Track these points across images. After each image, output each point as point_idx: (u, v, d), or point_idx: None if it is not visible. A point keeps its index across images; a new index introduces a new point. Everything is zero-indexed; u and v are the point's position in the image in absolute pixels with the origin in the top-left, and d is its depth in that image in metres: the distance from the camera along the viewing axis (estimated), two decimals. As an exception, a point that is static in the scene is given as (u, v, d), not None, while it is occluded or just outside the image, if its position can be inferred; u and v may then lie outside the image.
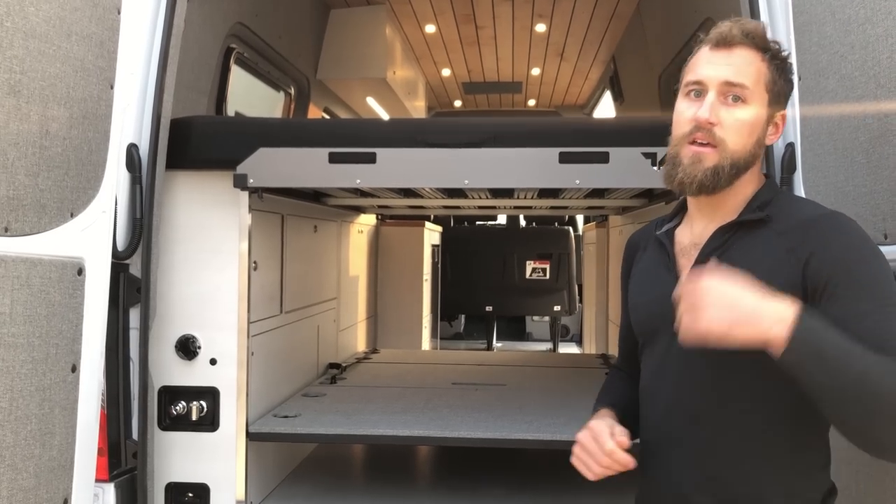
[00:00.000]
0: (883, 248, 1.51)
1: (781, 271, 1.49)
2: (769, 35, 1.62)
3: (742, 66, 1.55)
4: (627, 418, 1.70)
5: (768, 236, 1.55)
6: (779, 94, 1.60)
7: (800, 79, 2.05)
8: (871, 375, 1.33)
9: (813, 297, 1.47)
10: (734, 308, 1.36)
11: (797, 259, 1.48)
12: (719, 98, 1.56)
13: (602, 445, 1.54)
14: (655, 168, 2.34)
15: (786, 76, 1.61)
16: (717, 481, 1.56)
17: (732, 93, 1.55)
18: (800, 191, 2.05)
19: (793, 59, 2.05)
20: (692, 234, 1.68)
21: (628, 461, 1.54)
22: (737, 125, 1.55)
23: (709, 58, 1.58)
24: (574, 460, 1.61)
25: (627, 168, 2.39)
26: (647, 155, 2.35)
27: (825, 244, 1.47)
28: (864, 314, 1.41)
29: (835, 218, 1.52)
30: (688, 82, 1.61)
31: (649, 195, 3.26)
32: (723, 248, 1.59)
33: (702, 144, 1.56)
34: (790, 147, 2.08)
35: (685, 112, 1.59)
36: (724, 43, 1.57)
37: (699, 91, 1.58)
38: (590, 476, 1.58)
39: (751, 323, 1.36)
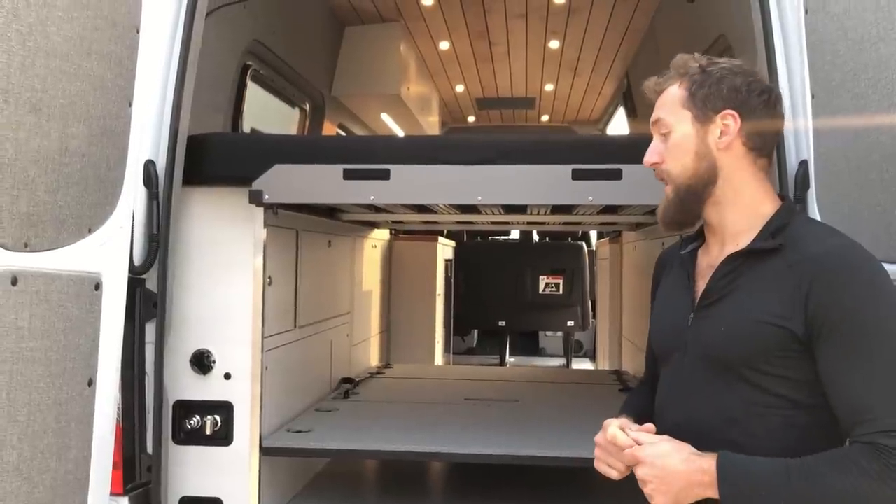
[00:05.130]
0: (897, 268, 1.51)
1: (787, 305, 1.50)
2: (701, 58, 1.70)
3: (663, 103, 1.69)
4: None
5: (778, 267, 1.54)
6: (705, 101, 1.62)
7: (813, 96, 2.05)
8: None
9: (812, 338, 1.48)
10: (670, 482, 1.52)
11: (801, 296, 1.48)
12: (659, 138, 1.69)
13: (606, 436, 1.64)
14: (668, 185, 2.34)
15: (709, 81, 1.62)
16: None
17: (659, 130, 1.69)
18: (813, 208, 2.05)
19: (805, 77, 2.07)
20: (709, 256, 1.70)
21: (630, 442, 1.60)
22: (670, 153, 1.67)
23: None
24: (596, 464, 1.69)
25: (640, 185, 2.39)
26: (659, 172, 2.35)
27: (826, 285, 1.47)
28: (847, 370, 1.45)
29: (844, 253, 1.50)
30: None
31: (663, 211, 3.25)
32: (733, 276, 1.60)
33: (665, 183, 1.69)
34: (804, 164, 2.08)
35: None
36: (657, 92, 1.71)
37: None
38: (613, 475, 1.66)
39: (690, 491, 1.51)
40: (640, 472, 1.56)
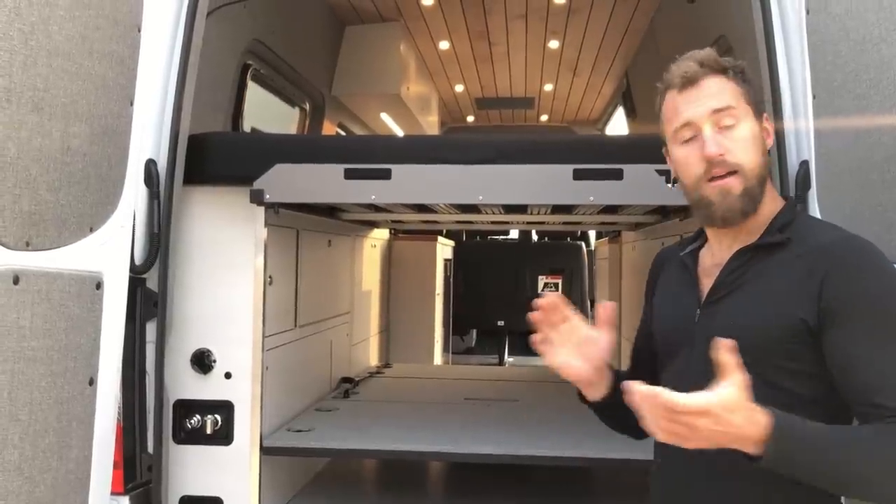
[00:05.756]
0: (898, 267, 1.52)
1: (798, 295, 1.50)
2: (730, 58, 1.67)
3: (718, 91, 1.59)
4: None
5: (787, 259, 1.56)
6: (757, 102, 1.65)
7: (814, 97, 2.05)
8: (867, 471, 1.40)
9: (825, 325, 1.48)
10: (714, 440, 1.35)
11: (813, 283, 1.49)
12: (714, 129, 1.58)
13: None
14: (669, 185, 2.34)
15: (750, 81, 1.65)
16: (731, 498, 1.56)
17: (724, 119, 1.58)
18: (814, 208, 2.05)
19: (807, 78, 2.08)
20: (714, 254, 1.70)
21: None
22: (743, 145, 1.58)
23: (684, 99, 1.61)
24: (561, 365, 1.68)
25: (641, 185, 2.40)
26: (660, 172, 2.35)
27: (839, 271, 1.48)
28: (866, 354, 1.44)
29: (853, 242, 1.53)
30: (676, 129, 1.63)
31: (663, 211, 3.26)
32: (742, 270, 1.61)
33: (722, 177, 1.57)
34: (804, 165, 2.08)
35: (690, 156, 1.61)
36: (689, 82, 1.60)
37: (693, 133, 1.60)
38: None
39: (728, 443, 1.37)
40: (702, 423, 1.33)
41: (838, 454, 1.40)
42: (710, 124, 1.58)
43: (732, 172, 1.57)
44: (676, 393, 1.34)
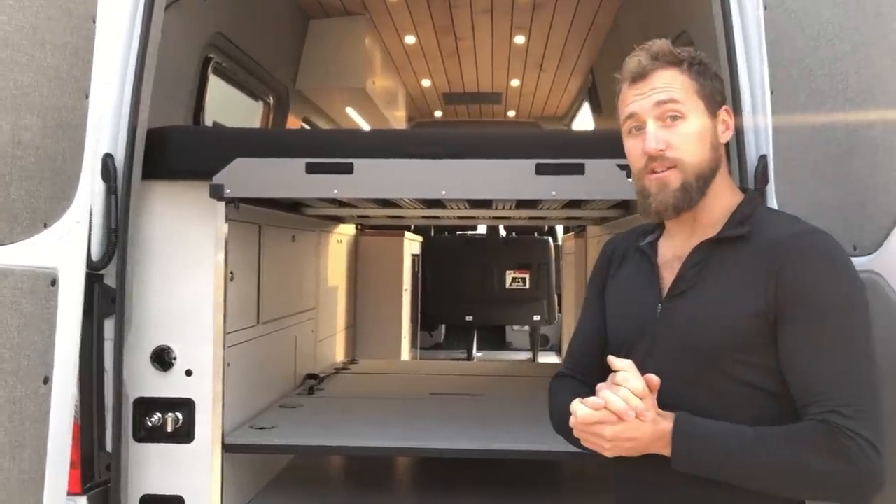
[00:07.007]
0: (853, 260, 1.54)
1: (757, 290, 1.51)
2: (689, 50, 1.67)
3: (666, 85, 1.60)
4: None
5: (748, 253, 1.56)
6: (712, 95, 1.64)
7: (772, 92, 2.08)
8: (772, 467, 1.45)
9: (778, 320, 1.50)
10: (631, 441, 1.49)
11: (770, 278, 1.50)
12: (658, 123, 1.60)
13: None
14: (630, 179, 2.35)
15: (710, 75, 1.65)
16: (689, 495, 1.56)
17: (668, 112, 1.59)
18: (772, 203, 2.07)
19: (765, 73, 2.10)
20: (674, 246, 1.69)
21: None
22: (685, 140, 1.59)
23: (633, 92, 1.63)
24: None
25: (603, 179, 2.41)
26: (622, 166, 2.36)
27: (792, 267, 1.49)
28: (806, 353, 1.47)
29: (809, 238, 1.53)
30: (624, 121, 1.66)
31: (626, 206, 3.28)
32: (703, 264, 1.60)
33: (661, 171, 1.60)
34: (763, 159, 2.10)
35: (634, 149, 1.64)
36: (640, 75, 1.62)
37: (639, 126, 1.63)
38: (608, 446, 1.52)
39: (647, 447, 1.51)
40: (609, 432, 1.47)
41: (743, 454, 1.46)
42: (653, 118, 1.60)
43: (672, 167, 1.59)
44: (578, 404, 1.49)
